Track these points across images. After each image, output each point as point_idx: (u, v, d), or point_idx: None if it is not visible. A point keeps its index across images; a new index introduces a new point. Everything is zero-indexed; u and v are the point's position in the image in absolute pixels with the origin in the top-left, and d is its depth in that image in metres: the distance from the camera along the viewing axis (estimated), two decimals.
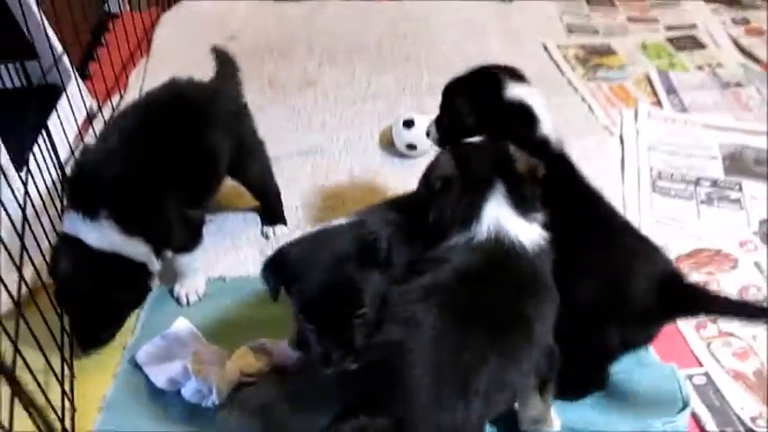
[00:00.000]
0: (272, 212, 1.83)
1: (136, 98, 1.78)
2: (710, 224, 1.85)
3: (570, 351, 1.20)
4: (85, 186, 1.42)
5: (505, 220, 1.19)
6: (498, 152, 1.26)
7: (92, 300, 1.38)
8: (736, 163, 2.06)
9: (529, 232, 1.20)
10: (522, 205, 1.21)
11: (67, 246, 1.38)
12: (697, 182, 2.00)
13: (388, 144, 2.11)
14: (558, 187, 1.26)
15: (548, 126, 1.40)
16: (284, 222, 1.83)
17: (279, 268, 1.18)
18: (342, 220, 1.28)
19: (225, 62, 1.81)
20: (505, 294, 1.15)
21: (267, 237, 1.80)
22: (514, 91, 1.39)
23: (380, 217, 1.31)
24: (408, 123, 2.00)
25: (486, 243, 1.18)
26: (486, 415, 1.12)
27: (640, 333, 1.30)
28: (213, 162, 1.59)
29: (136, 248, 1.40)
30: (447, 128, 1.47)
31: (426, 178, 1.29)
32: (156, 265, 1.48)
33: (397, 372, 1.03)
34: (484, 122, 1.39)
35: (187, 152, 1.51)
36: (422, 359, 1.04)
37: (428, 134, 1.52)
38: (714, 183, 1.99)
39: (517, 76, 1.45)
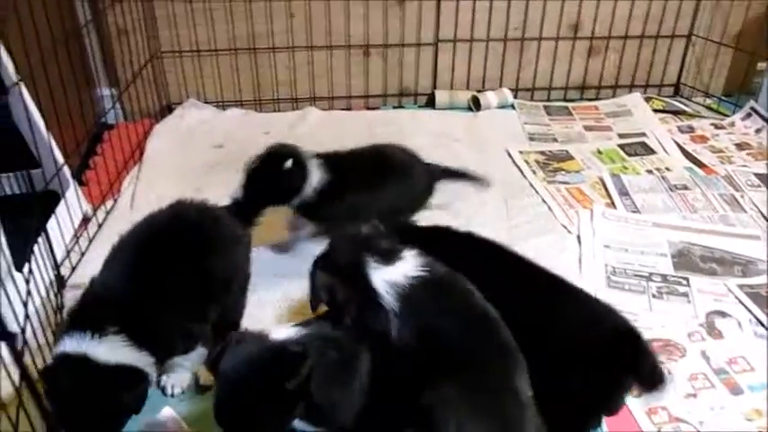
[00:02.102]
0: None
1: (139, 218, 1.73)
2: (661, 316, 1.96)
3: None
4: (92, 308, 1.45)
5: (388, 277, 1.36)
6: (350, 237, 1.47)
7: (97, 412, 1.37)
8: (684, 259, 2.21)
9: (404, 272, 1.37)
10: (389, 258, 1.38)
11: (68, 364, 1.36)
12: (649, 277, 2.13)
13: None
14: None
15: None
16: None
17: (211, 367, 1.28)
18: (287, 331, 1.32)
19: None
20: None
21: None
22: None
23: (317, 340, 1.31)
24: None
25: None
26: None
27: (604, 388, 1.41)
28: (210, 284, 1.60)
29: (142, 360, 1.43)
30: None
31: (314, 296, 1.45)
32: (154, 374, 1.51)
33: None
34: None
35: (187, 274, 1.54)
36: None
37: None
38: (664, 278, 2.12)
39: None
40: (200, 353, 1.70)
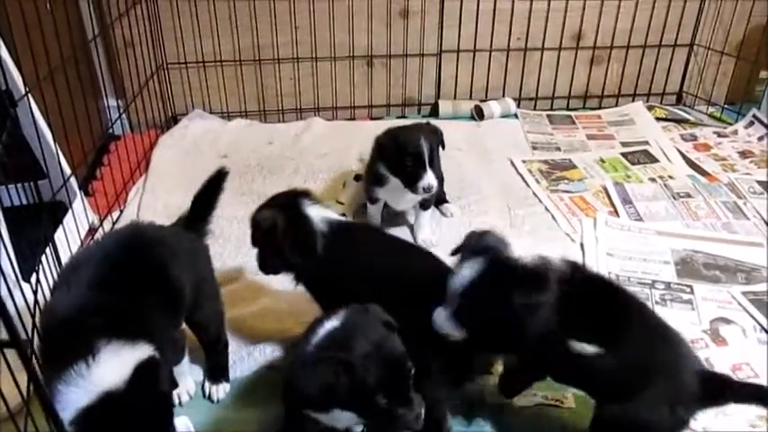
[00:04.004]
0: (216, 366, 1.76)
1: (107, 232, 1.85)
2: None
3: None
4: (75, 335, 1.31)
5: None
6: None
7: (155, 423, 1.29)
8: (687, 267, 2.21)
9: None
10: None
11: (99, 415, 1.23)
12: (652, 285, 2.14)
13: None
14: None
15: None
16: (228, 380, 1.77)
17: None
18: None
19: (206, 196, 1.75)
20: None
21: (212, 399, 1.73)
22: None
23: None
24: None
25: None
26: None
27: (686, 417, 1.43)
28: (180, 292, 1.56)
29: (144, 349, 1.32)
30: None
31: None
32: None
33: None
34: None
35: (157, 284, 1.49)
36: None
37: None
38: (668, 285, 2.13)
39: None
40: (187, 362, 1.72)
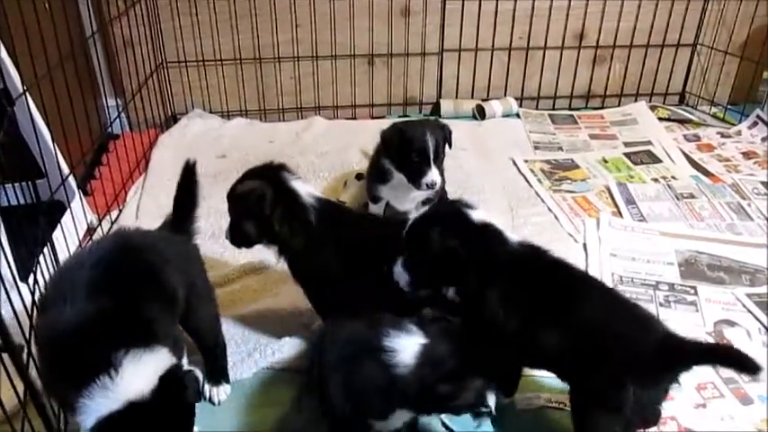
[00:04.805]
0: (215, 368, 1.74)
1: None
2: (669, 325, 1.95)
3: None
4: (88, 349, 1.27)
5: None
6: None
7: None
8: (691, 268, 2.20)
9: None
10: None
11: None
12: (656, 286, 2.12)
13: None
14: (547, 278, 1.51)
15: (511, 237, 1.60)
16: (228, 381, 1.74)
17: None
18: None
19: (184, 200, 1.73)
20: None
21: (213, 402, 1.70)
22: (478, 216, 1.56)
23: None
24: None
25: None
26: None
27: (650, 386, 1.40)
28: (173, 293, 1.53)
29: (164, 355, 1.32)
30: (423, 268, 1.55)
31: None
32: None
33: None
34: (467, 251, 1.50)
35: (153, 288, 1.47)
36: None
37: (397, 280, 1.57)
38: (671, 287, 2.11)
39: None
40: (185, 365, 1.67)
